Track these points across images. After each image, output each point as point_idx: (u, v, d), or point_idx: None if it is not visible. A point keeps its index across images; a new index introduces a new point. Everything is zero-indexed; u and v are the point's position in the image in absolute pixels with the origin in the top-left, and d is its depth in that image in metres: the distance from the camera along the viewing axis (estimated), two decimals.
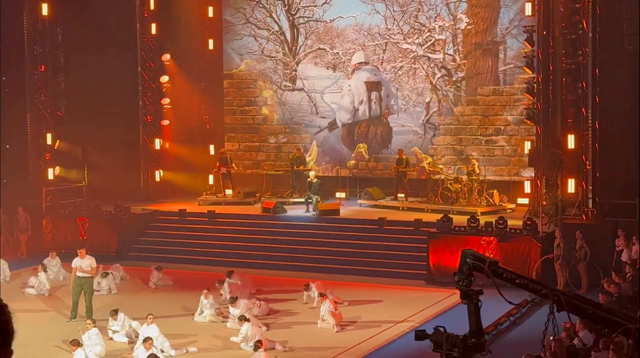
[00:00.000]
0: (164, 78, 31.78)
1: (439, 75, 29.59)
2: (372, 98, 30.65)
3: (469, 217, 24.03)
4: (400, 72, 30.13)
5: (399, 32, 30.02)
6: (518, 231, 23.18)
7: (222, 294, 21.12)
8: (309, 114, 31.67)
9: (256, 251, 25.99)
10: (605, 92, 24.51)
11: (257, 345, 16.13)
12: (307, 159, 31.16)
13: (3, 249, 26.36)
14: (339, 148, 31.26)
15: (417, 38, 29.75)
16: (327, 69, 31.32)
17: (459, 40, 29.29)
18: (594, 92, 24.49)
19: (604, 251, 22.41)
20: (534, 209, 25.52)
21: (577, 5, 24.51)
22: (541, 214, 24.15)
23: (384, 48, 30.34)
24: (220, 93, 32.99)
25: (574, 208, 24.71)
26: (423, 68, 29.73)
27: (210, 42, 32.52)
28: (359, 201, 29.30)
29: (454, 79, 29.38)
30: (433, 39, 29.53)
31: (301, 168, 30.18)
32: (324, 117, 31.46)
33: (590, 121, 24.61)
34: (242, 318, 17.88)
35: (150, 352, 16.14)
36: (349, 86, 30.91)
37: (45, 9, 30.02)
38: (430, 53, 29.58)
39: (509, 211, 26.93)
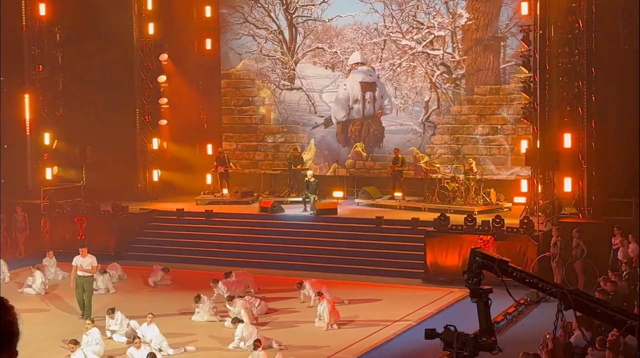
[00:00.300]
0: (162, 78, 31.84)
1: (438, 72, 29.63)
2: (366, 98, 30.75)
3: (466, 216, 24.11)
4: (399, 69, 30.16)
5: (397, 31, 30.06)
6: (515, 229, 23.26)
7: (214, 292, 21.17)
8: (307, 113, 31.74)
9: (254, 251, 26.05)
10: (601, 92, 24.60)
11: (256, 344, 16.20)
12: (305, 158, 31.23)
13: (2, 249, 26.42)
14: (336, 147, 31.33)
15: (417, 34, 29.78)
16: (326, 68, 31.39)
17: (458, 37, 29.24)
18: (590, 91, 24.58)
19: (600, 249, 22.47)
20: (530, 208, 25.62)
21: (573, 5, 24.60)
22: (538, 213, 24.25)
23: (382, 47, 30.39)
24: (218, 93, 33.03)
25: (570, 206, 24.82)
26: (422, 66, 29.77)
27: (208, 41, 32.55)
28: (357, 200, 29.39)
29: (453, 76, 29.41)
30: (432, 36, 29.57)
31: (298, 167, 30.26)
32: (321, 116, 31.54)
33: (582, 120, 24.69)
34: (235, 321, 17.89)
35: (141, 350, 16.25)
36: (345, 85, 31.01)
37: (43, 9, 30.07)
38: (430, 50, 29.61)
39: (505, 210, 27.02)
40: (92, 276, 20.26)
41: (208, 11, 32.34)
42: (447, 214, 24.50)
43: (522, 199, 27.10)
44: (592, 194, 24.64)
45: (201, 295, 19.98)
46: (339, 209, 27.83)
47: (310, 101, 31.61)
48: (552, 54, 25.71)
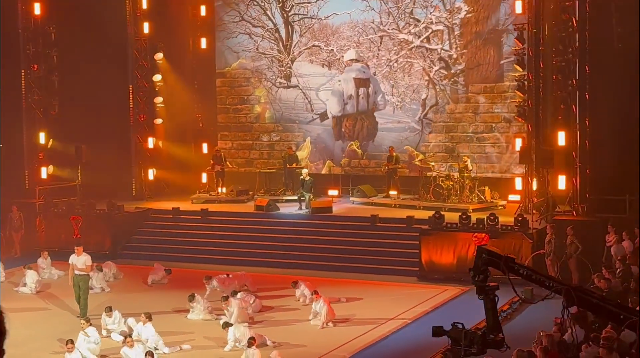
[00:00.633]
0: (157, 77, 31.86)
1: (436, 68, 29.65)
2: (360, 94, 30.84)
3: (460, 214, 24.20)
4: (396, 65, 30.17)
5: (394, 28, 30.07)
6: (509, 227, 23.35)
7: (207, 289, 21.23)
8: (304, 111, 31.80)
9: (249, 249, 26.11)
10: (595, 90, 24.67)
11: (251, 341, 16.22)
12: (300, 156, 31.29)
13: None
14: (332, 144, 31.39)
15: (414, 28, 29.77)
16: (323, 66, 31.44)
17: (456, 33, 29.16)
18: (584, 89, 24.65)
19: (594, 247, 22.57)
20: (525, 205, 25.69)
21: (567, 3, 24.66)
22: (532, 210, 24.34)
23: (379, 44, 30.42)
24: (213, 92, 33.08)
25: (564, 204, 24.90)
26: (419, 62, 29.71)
27: (203, 40, 32.59)
28: (352, 199, 29.45)
29: (452, 71, 29.42)
30: (430, 31, 29.57)
31: (294, 165, 30.32)
32: (318, 114, 31.60)
33: (578, 118, 24.76)
34: (226, 325, 17.85)
35: (133, 350, 16.30)
36: (339, 80, 31.10)
37: (37, 8, 30.07)
38: (428, 44, 29.59)
39: (500, 207, 27.10)
40: (88, 274, 20.31)
41: (203, 10, 32.38)
42: (442, 212, 24.58)
43: (517, 197, 27.16)
44: (586, 192, 24.72)
45: (195, 294, 20.02)
46: (334, 207, 27.89)
47: (307, 98, 31.67)
48: (546, 53, 25.79)
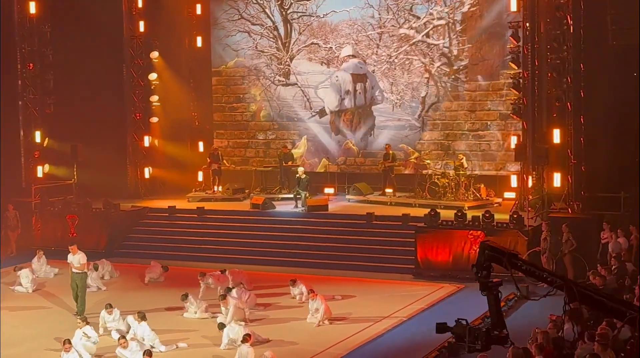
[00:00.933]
0: (153, 76, 31.85)
1: (438, 64, 29.63)
2: (357, 89, 30.88)
3: (456, 211, 24.24)
4: (396, 60, 30.16)
5: (393, 25, 30.03)
6: (505, 225, 23.39)
7: (201, 286, 21.25)
8: (303, 109, 31.82)
9: (245, 247, 26.14)
10: (590, 87, 24.71)
11: (246, 338, 16.19)
12: (296, 153, 31.32)
13: None
14: (328, 142, 31.40)
15: (415, 22, 29.74)
16: (322, 64, 31.46)
17: (458, 28, 29.03)
18: (579, 87, 24.67)
19: (589, 244, 22.64)
20: (520, 203, 25.77)
21: (561, 1, 24.70)
22: (527, 208, 24.40)
23: (377, 41, 30.40)
24: (209, 90, 33.10)
25: (559, 201, 24.96)
26: (420, 58, 29.65)
27: (199, 39, 32.62)
28: (347, 197, 29.49)
29: (455, 67, 29.38)
30: (432, 26, 29.54)
31: (289, 163, 30.35)
32: (316, 112, 31.62)
33: (571, 116, 24.81)
34: (221, 327, 17.83)
35: (127, 350, 16.31)
36: (336, 76, 31.14)
37: (33, 7, 30.08)
38: (429, 39, 29.54)
39: (495, 205, 27.18)
40: (85, 272, 20.34)
41: (198, 9, 32.40)
42: (438, 210, 24.63)
43: (512, 195, 27.23)
44: (581, 189, 24.77)
45: (188, 295, 20.04)
46: (330, 205, 27.92)
47: (306, 96, 31.69)
48: (541, 50, 25.83)
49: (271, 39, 32.07)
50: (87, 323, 17.42)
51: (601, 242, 22.29)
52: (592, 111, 24.85)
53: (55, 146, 30.47)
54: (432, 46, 29.56)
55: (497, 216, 23.75)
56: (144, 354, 15.52)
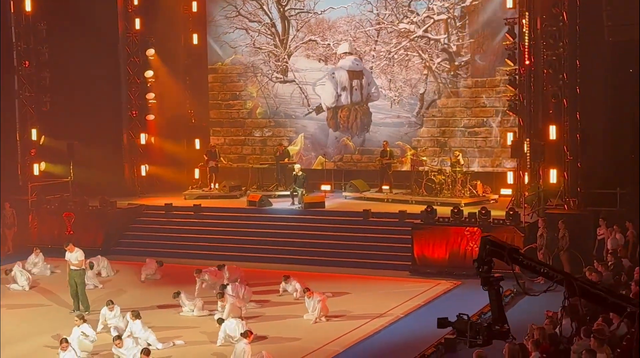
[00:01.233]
0: (149, 73, 31.85)
1: (439, 60, 29.61)
2: (353, 86, 30.88)
3: (452, 208, 24.26)
4: (396, 56, 30.11)
5: (392, 22, 29.99)
6: (501, 221, 23.40)
7: (197, 283, 21.25)
8: (301, 106, 31.81)
9: (242, 244, 26.16)
10: (586, 84, 24.75)
11: (247, 333, 16.13)
12: (293, 150, 31.33)
13: None
14: (325, 140, 31.42)
15: (415, 17, 29.68)
16: (319, 61, 31.44)
17: (458, 24, 28.97)
18: (575, 83, 24.72)
19: (585, 240, 22.68)
20: (516, 199, 25.79)
21: None
22: (524, 204, 24.42)
23: (375, 37, 30.37)
24: (205, 87, 33.10)
25: (556, 198, 24.99)
26: (420, 54, 29.63)
27: (195, 36, 32.63)
28: (344, 194, 29.51)
29: (456, 63, 29.30)
30: (432, 21, 29.48)
31: (286, 161, 30.36)
32: (313, 109, 31.62)
33: (567, 112, 24.84)
34: (220, 322, 17.81)
35: (122, 349, 16.30)
36: (333, 73, 31.13)
37: (28, 4, 30.04)
38: (429, 34, 29.51)
39: (492, 201, 27.19)
40: (82, 269, 20.35)
41: (194, 6, 32.40)
42: (434, 207, 24.65)
43: (509, 191, 27.28)
44: (577, 186, 24.82)
45: (180, 292, 20.04)
46: (326, 202, 27.94)
47: (303, 93, 31.68)
48: (537, 47, 25.84)
49: (269, 36, 32.07)
50: (85, 321, 17.40)
51: (597, 238, 22.33)
52: (588, 107, 24.89)
53: (51, 144, 30.45)
54: (432, 41, 29.53)
55: (494, 213, 23.76)
56: (141, 353, 15.51)
